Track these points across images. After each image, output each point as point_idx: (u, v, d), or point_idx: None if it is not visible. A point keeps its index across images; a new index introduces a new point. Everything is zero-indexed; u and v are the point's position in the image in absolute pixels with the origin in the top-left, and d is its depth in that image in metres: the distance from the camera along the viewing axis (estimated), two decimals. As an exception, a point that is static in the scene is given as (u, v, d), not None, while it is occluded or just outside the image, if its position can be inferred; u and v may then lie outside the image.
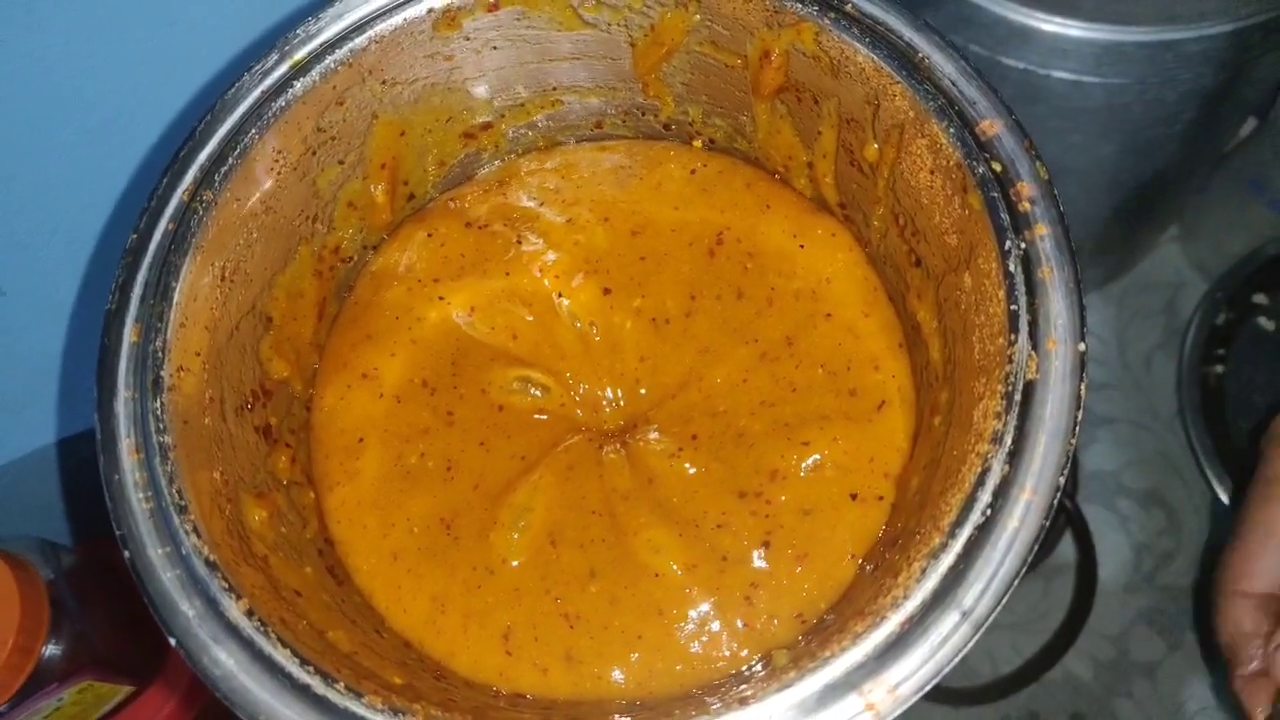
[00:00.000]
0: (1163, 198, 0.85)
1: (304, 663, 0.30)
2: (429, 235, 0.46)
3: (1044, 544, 0.87)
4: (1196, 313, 0.80)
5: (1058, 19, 0.63)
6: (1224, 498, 0.74)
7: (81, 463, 0.61)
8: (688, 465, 0.41)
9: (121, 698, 0.55)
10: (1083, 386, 0.31)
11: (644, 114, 0.45)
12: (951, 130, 0.35)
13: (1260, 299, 0.80)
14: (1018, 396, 0.31)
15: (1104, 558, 0.87)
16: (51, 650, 0.48)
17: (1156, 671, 0.85)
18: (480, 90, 0.43)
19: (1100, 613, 0.86)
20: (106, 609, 0.54)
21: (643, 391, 0.43)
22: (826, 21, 0.37)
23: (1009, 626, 0.87)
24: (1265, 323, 0.80)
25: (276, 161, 0.38)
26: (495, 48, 0.41)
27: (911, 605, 0.29)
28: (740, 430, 0.41)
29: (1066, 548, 0.88)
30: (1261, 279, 0.80)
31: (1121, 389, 0.93)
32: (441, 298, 0.45)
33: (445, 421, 0.43)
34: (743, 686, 0.29)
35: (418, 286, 0.45)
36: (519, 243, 0.46)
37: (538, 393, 0.44)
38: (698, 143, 0.46)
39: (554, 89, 0.44)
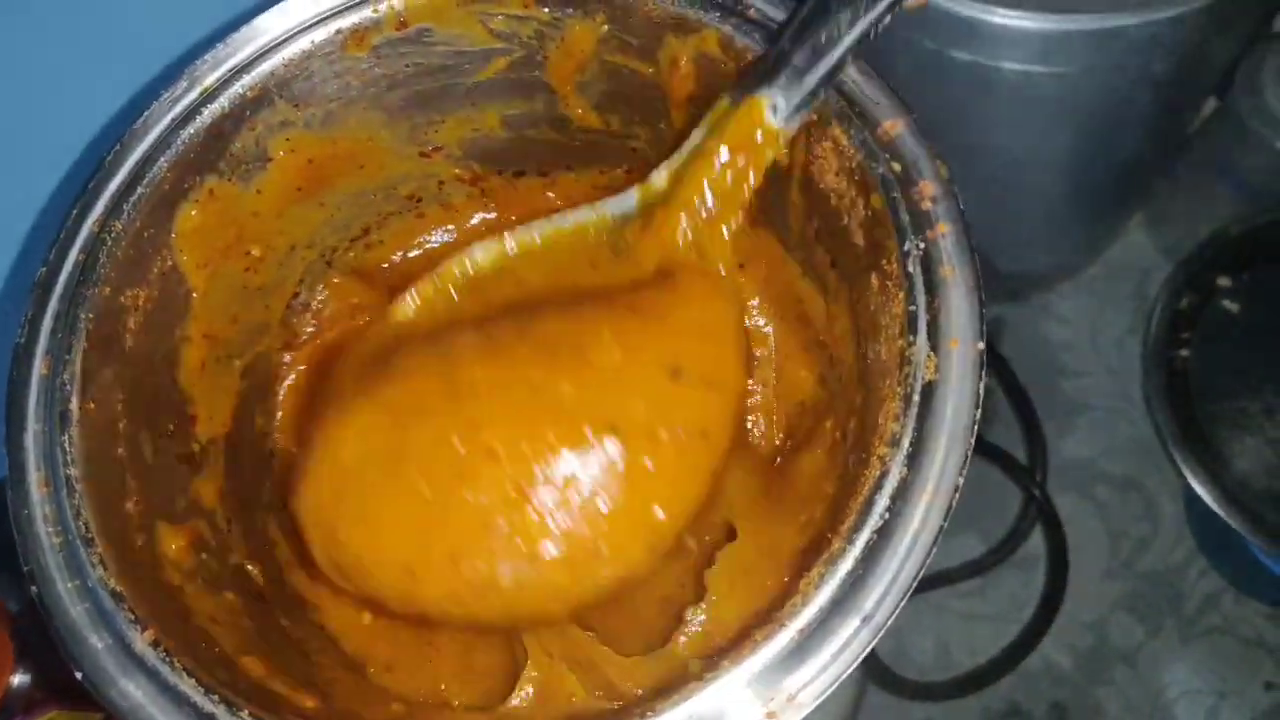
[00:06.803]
0: (1127, 183, 0.84)
1: (208, 692, 0.30)
2: None
3: (1015, 533, 0.87)
4: (1160, 296, 0.79)
5: (1004, 10, 0.62)
6: (1193, 482, 0.73)
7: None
8: None
9: (90, 728, 0.55)
10: (982, 385, 0.31)
11: (565, 125, 0.45)
12: (853, 132, 0.35)
13: (1224, 281, 0.79)
14: (916, 397, 0.31)
15: (1081, 544, 0.87)
16: (19, 680, 0.49)
17: (1136, 657, 0.84)
18: (395, 108, 0.43)
19: (1078, 600, 0.85)
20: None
21: None
22: (729, 27, 0.37)
23: (988, 618, 0.87)
24: (1229, 305, 0.79)
25: (187, 189, 0.38)
26: (407, 65, 0.41)
27: (810, 613, 0.29)
28: None
29: (1041, 537, 0.88)
30: (1224, 261, 0.79)
31: (1094, 376, 0.93)
32: None
33: None
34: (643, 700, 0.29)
35: None
36: None
37: None
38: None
39: (473, 104, 0.44)
